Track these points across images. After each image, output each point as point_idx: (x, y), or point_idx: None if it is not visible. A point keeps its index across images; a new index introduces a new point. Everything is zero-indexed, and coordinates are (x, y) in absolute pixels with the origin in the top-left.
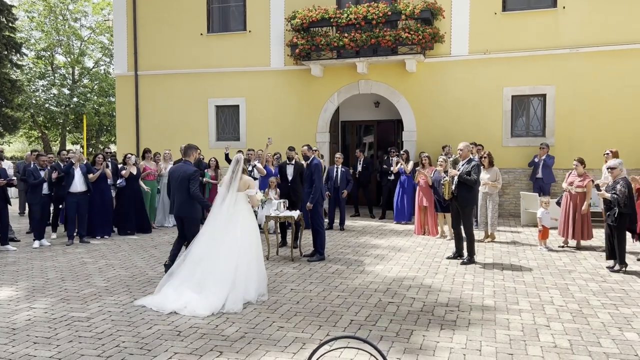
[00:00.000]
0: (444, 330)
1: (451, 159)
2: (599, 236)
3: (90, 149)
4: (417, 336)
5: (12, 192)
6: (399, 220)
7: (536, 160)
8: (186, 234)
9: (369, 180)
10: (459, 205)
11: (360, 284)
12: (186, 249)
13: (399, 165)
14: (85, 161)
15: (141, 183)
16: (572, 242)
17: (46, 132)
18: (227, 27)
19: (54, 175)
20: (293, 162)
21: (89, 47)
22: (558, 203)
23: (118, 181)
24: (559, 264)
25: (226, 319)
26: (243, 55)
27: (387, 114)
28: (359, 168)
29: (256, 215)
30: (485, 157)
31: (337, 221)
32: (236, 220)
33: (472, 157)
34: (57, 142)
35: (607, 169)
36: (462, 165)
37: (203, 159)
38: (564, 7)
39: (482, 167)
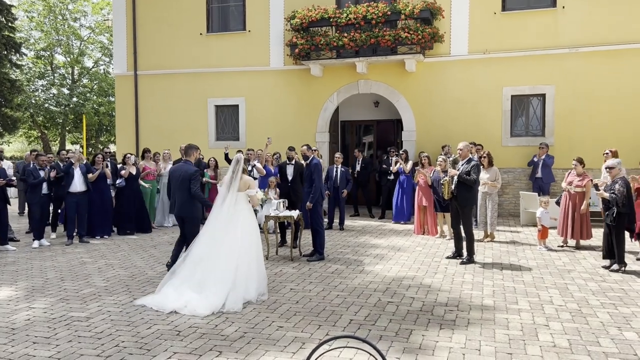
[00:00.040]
0: (443, 330)
1: (451, 158)
2: (598, 236)
3: (90, 149)
4: (416, 336)
5: (12, 192)
6: (398, 220)
7: (535, 159)
8: (186, 234)
9: (367, 180)
10: (459, 205)
11: (359, 284)
12: (187, 248)
13: (398, 164)
14: (84, 161)
15: (141, 182)
16: (572, 242)
17: (46, 132)
18: (226, 26)
19: (52, 174)
20: (293, 162)
21: (89, 47)
22: (557, 203)
23: (117, 181)
24: (558, 264)
25: (225, 318)
26: (242, 55)
27: (387, 113)
28: (358, 168)
29: (256, 215)
30: (484, 157)
31: (336, 221)
32: (236, 220)
33: (471, 156)
34: (57, 142)
35: (606, 168)
36: (462, 165)
37: (203, 158)
38: (563, 7)
39: (481, 167)
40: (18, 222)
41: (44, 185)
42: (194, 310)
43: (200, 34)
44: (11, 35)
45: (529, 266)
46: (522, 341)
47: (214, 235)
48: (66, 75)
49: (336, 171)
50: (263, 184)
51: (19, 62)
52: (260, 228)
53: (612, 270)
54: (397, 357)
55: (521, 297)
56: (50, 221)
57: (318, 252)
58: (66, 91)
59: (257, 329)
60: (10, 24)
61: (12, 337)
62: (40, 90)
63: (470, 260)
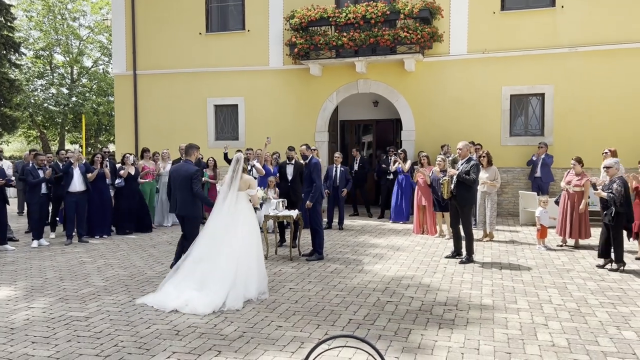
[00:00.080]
0: (442, 329)
1: (450, 158)
2: (597, 235)
3: (89, 149)
4: (415, 335)
5: (11, 191)
6: (397, 220)
7: (534, 159)
8: (186, 233)
9: (365, 180)
10: (458, 205)
11: (358, 283)
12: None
13: (396, 164)
14: (84, 161)
15: (140, 180)
16: (571, 241)
17: (45, 131)
18: (225, 26)
19: (48, 172)
20: (293, 161)
21: (88, 47)
22: (557, 202)
23: (116, 181)
24: (558, 263)
25: (225, 318)
26: (242, 55)
27: (386, 113)
28: (355, 167)
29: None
30: (483, 157)
31: (335, 220)
32: (237, 220)
33: (471, 156)
34: (56, 141)
35: (603, 168)
36: (462, 164)
37: (202, 158)
38: (562, 7)
39: (480, 167)
40: (17, 221)
41: (43, 185)
42: (195, 309)
43: (200, 33)
44: (10, 34)
45: (528, 265)
46: (520, 340)
47: (214, 234)
48: (65, 74)
49: (336, 171)
50: (262, 184)
51: (18, 62)
52: (260, 228)
53: (611, 270)
54: (396, 357)
55: (520, 297)
56: (49, 221)
57: (317, 251)
58: (65, 91)
59: (256, 329)
60: (9, 24)
61: (11, 337)
62: (39, 90)
63: (469, 259)
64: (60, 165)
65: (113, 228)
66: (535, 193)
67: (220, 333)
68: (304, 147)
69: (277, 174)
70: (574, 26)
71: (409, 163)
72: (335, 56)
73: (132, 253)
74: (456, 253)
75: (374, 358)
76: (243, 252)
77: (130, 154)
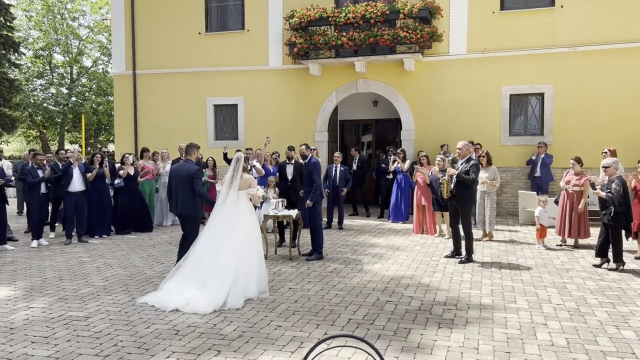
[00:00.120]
0: (442, 329)
1: (450, 157)
2: (596, 235)
3: (89, 149)
4: (414, 335)
5: (10, 191)
6: (396, 220)
7: (534, 158)
8: (186, 233)
9: (363, 179)
10: (458, 204)
11: (358, 283)
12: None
13: (395, 164)
14: (83, 160)
15: (140, 180)
16: (570, 241)
17: (44, 131)
18: (225, 26)
19: (47, 172)
20: (293, 161)
21: (87, 46)
22: (556, 202)
23: (116, 181)
24: (557, 263)
25: (224, 317)
26: (241, 54)
27: (386, 113)
28: (354, 167)
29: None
30: (483, 156)
31: (335, 220)
32: (237, 219)
33: (470, 156)
34: (56, 141)
35: (602, 167)
36: (461, 164)
37: (202, 158)
38: (562, 6)
39: (480, 166)
40: (17, 221)
41: (42, 184)
42: (196, 308)
43: (199, 33)
44: (10, 34)
45: (527, 265)
46: (520, 340)
47: (215, 233)
48: (65, 74)
49: (335, 170)
50: (262, 184)
51: (17, 62)
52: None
53: (610, 269)
54: (395, 357)
55: (519, 296)
56: (49, 221)
57: (317, 251)
58: (65, 90)
59: (256, 328)
60: (8, 24)
61: (11, 337)
62: (38, 90)
63: (468, 259)
64: (60, 165)
65: (112, 228)
66: (535, 193)
67: (219, 333)
68: (303, 146)
69: (277, 174)
70: (574, 26)
71: (408, 163)
72: (335, 56)
73: (132, 253)
74: (456, 253)
75: (373, 358)
76: (244, 251)
77: (130, 154)
